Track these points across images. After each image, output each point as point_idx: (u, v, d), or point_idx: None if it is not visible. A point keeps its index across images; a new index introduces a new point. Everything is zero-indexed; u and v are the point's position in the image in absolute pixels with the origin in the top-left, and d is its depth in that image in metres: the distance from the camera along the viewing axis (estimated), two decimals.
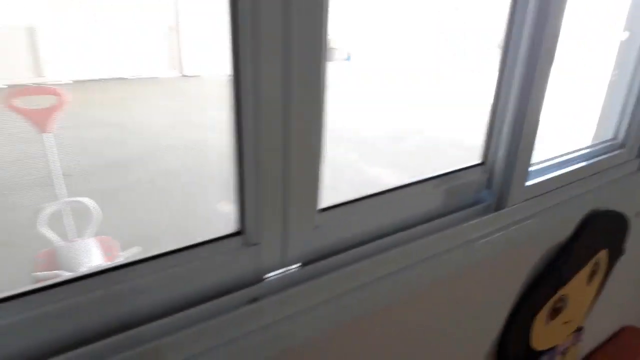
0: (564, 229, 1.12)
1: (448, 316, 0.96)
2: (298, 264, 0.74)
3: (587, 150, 1.16)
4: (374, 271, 0.77)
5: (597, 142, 1.20)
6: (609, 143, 1.21)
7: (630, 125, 1.19)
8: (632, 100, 1.17)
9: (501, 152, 0.91)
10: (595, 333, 1.59)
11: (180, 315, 0.62)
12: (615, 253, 1.38)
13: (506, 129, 0.89)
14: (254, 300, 0.68)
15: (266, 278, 0.71)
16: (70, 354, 0.54)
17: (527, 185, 0.94)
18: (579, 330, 1.43)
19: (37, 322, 0.54)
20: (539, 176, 0.99)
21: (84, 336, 0.58)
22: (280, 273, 0.72)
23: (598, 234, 1.21)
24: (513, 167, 0.89)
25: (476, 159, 0.95)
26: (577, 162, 1.09)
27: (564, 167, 1.05)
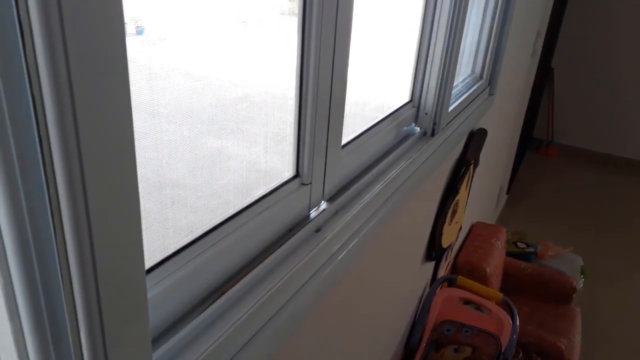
0: (459, 146, 1.44)
1: (408, 223, 1.19)
2: (327, 199, 0.87)
3: (463, 82, 1.48)
4: (382, 197, 0.94)
5: (465, 76, 1.54)
6: (471, 77, 1.56)
7: (484, 62, 1.54)
8: (484, 43, 1.52)
9: (432, 88, 1.14)
10: (463, 230, 2.03)
11: (273, 256, 0.71)
12: (476, 163, 1.77)
13: (436, 69, 1.12)
14: (318, 230, 0.79)
15: (311, 213, 0.82)
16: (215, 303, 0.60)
17: (449, 112, 1.20)
18: (460, 229, 1.82)
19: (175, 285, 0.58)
20: (450, 105, 1.26)
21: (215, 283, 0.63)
22: (319, 207, 0.84)
23: (474, 147, 1.56)
24: (443, 99, 1.14)
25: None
26: (464, 92, 1.40)
27: (459, 97, 1.35)
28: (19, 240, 0.33)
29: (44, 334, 0.37)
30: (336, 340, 0.96)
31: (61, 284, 0.35)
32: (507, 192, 3.69)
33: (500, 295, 1.54)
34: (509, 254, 2.46)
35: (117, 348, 0.39)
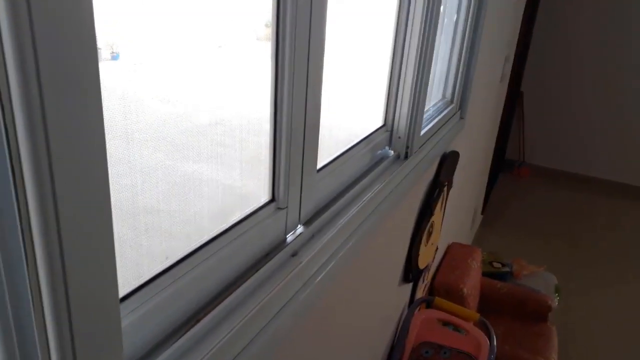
0: (432, 168, 1.46)
1: (384, 246, 1.20)
2: (303, 223, 0.87)
3: (435, 107, 1.52)
4: (357, 219, 0.95)
5: (436, 101, 1.58)
6: (442, 101, 1.60)
7: (454, 87, 1.59)
8: (453, 68, 1.57)
9: (403, 113, 1.17)
10: (439, 251, 2.04)
11: (250, 282, 0.70)
12: (450, 185, 1.81)
13: (407, 95, 1.14)
14: (294, 254, 0.80)
15: (287, 237, 0.83)
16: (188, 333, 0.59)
17: (420, 136, 1.23)
18: (437, 249, 1.84)
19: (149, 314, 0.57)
20: (422, 128, 1.29)
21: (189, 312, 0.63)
22: (296, 231, 0.84)
23: (447, 169, 1.59)
24: (415, 123, 1.16)
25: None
26: (436, 116, 1.43)
27: (431, 121, 1.38)
28: None
29: None
30: None
31: (32, 312, 0.35)
32: (482, 213, 3.75)
33: (477, 316, 1.55)
34: (485, 274, 2.48)
35: None
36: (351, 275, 1.03)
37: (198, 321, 0.60)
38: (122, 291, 0.52)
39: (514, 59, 3.30)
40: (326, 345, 0.98)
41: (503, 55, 2.57)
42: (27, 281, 0.34)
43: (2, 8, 0.28)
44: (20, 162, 0.31)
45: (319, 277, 0.78)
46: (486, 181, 3.53)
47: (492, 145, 3.31)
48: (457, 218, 2.36)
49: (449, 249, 2.25)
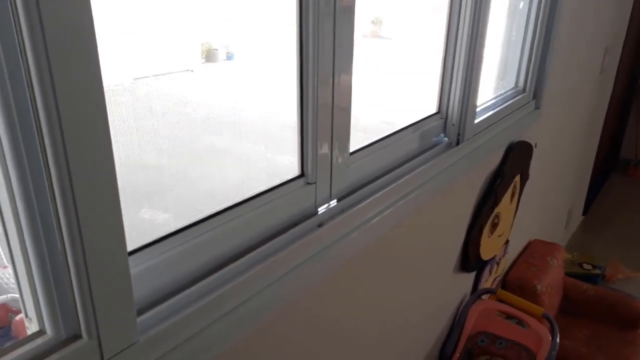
0: (496, 157, 1.45)
1: (428, 237, 1.23)
2: (337, 199, 0.95)
3: (502, 96, 1.49)
4: (390, 198, 1.00)
5: (507, 89, 1.55)
6: (513, 90, 1.56)
7: (527, 75, 1.55)
8: (526, 56, 1.53)
9: (456, 100, 1.18)
10: (514, 246, 1.99)
11: (272, 243, 0.79)
12: (524, 177, 1.75)
13: (459, 82, 1.16)
14: (320, 225, 0.87)
15: (319, 210, 0.91)
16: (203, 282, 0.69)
17: (475, 124, 1.24)
18: (507, 243, 1.80)
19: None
20: (480, 116, 1.29)
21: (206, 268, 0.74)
22: (329, 205, 0.92)
23: (516, 159, 1.56)
24: (466, 111, 1.18)
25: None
26: (499, 105, 1.42)
27: (492, 109, 1.37)
28: (31, 222, 0.45)
29: (52, 297, 0.49)
30: (348, 347, 1.02)
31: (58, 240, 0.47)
32: (584, 214, 3.50)
33: (541, 310, 1.51)
34: (572, 275, 2.35)
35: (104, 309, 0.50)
36: (385, 250, 1.08)
37: (217, 271, 0.70)
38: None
39: (626, 50, 3.04)
40: (359, 329, 1.05)
41: (602, 46, 2.39)
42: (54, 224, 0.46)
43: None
44: (48, 166, 0.43)
45: (339, 244, 0.85)
46: (588, 180, 3.30)
47: (595, 141, 3.08)
48: (540, 214, 2.26)
49: (529, 245, 2.17)
